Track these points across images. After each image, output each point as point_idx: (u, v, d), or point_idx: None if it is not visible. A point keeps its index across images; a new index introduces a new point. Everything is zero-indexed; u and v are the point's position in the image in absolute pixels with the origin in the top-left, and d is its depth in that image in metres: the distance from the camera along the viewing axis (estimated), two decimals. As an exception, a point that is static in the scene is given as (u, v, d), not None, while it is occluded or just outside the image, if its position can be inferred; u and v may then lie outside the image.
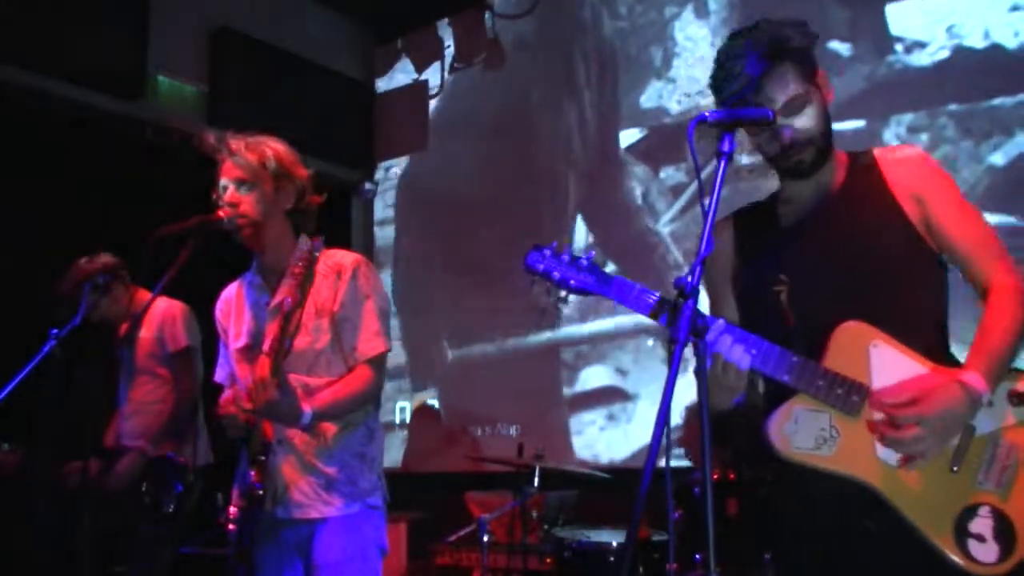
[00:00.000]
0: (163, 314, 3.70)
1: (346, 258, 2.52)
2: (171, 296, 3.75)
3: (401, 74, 6.32)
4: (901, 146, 2.04)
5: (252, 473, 2.30)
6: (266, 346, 2.25)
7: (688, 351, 1.60)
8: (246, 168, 2.46)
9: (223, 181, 2.47)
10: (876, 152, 1.94)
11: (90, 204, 4.57)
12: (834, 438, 1.72)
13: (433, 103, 6.11)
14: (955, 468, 1.68)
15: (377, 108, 6.40)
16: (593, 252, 1.87)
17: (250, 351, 2.44)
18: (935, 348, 1.79)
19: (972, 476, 1.69)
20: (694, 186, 4.81)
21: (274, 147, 2.53)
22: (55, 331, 2.97)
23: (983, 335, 1.73)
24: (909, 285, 1.82)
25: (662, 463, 1.52)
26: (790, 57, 1.83)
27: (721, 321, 1.72)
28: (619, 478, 3.89)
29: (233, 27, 5.46)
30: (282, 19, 5.83)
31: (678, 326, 1.56)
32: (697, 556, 3.14)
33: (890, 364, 1.73)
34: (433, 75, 6.16)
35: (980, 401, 1.67)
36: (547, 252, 1.86)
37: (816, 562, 1.82)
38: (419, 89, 6.21)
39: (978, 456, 1.69)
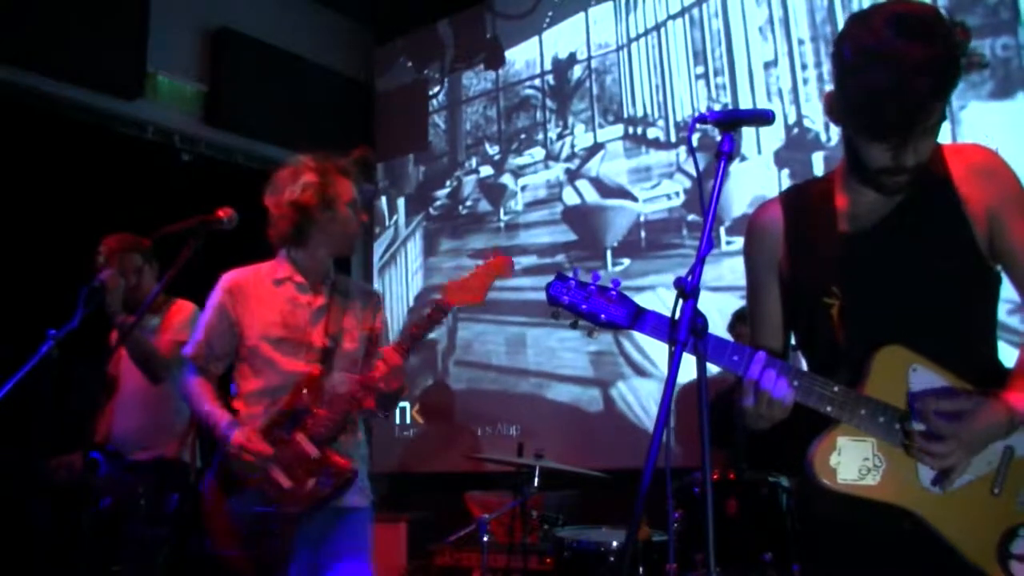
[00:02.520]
0: (178, 314, 3.72)
1: (367, 286, 2.93)
2: (168, 295, 3.76)
3: (401, 74, 6.33)
4: (975, 148, 1.80)
5: (312, 453, 2.51)
6: (402, 339, 2.55)
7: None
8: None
9: (353, 196, 2.76)
10: (946, 153, 1.77)
11: (90, 204, 4.56)
12: (878, 467, 1.70)
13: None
14: (996, 491, 1.67)
15: (377, 108, 6.39)
16: (620, 280, 1.75)
17: (286, 343, 2.64)
18: (985, 363, 1.75)
19: (1014, 499, 1.68)
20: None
21: None
22: (53, 331, 2.97)
23: None
24: (967, 307, 1.75)
25: (662, 463, 1.51)
26: (957, 76, 1.61)
27: (762, 353, 1.68)
28: (619, 478, 3.89)
29: (233, 27, 5.45)
30: (282, 19, 5.82)
31: (677, 327, 1.56)
32: (697, 556, 3.14)
33: (929, 387, 1.71)
34: (433, 75, 6.16)
35: (1017, 423, 1.64)
36: (572, 282, 1.75)
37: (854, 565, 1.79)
38: (419, 89, 6.21)
39: (1019, 479, 1.68)
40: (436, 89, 6.13)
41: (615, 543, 3.39)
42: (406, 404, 5.83)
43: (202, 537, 2.66)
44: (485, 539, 3.68)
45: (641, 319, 1.71)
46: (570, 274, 1.77)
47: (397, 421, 5.84)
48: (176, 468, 3.62)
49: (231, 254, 2.92)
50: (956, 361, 1.70)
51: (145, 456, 3.59)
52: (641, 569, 3.27)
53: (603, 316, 1.72)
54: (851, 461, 1.70)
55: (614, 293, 1.73)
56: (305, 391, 2.58)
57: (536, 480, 3.65)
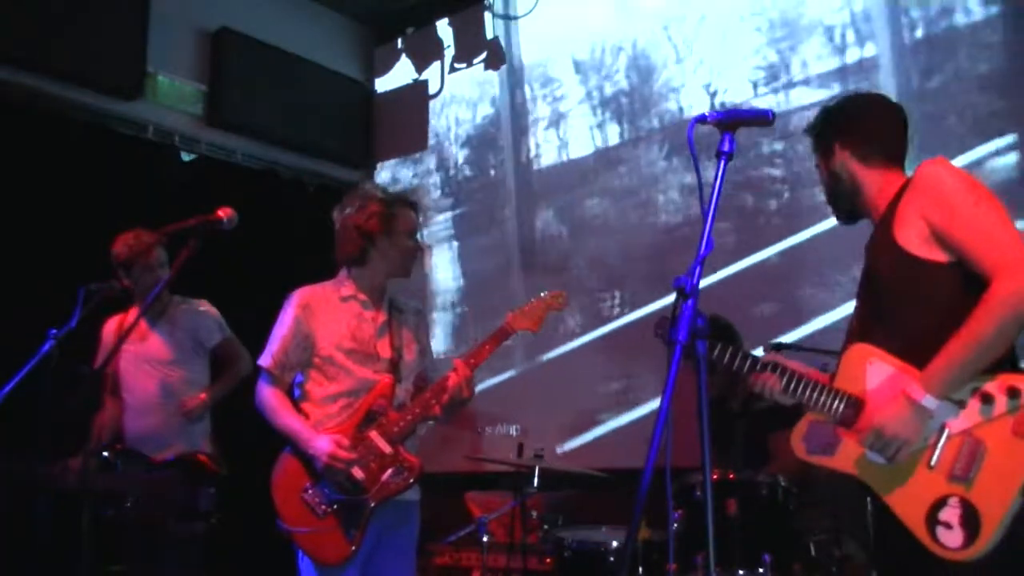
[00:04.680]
0: (193, 313, 3.74)
1: (416, 303, 3.19)
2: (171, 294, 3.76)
3: (401, 74, 6.32)
4: (923, 164, 2.09)
5: (386, 449, 2.77)
6: (468, 356, 2.85)
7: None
8: None
9: (414, 226, 3.02)
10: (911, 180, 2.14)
11: (90, 204, 4.56)
12: (836, 443, 2.10)
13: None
14: (932, 464, 1.95)
15: (377, 108, 6.39)
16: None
17: (356, 354, 2.88)
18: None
19: (946, 471, 1.94)
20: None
21: None
22: (53, 331, 2.97)
23: (945, 345, 1.93)
24: (912, 305, 2.03)
25: (662, 463, 1.52)
26: (815, 138, 2.33)
27: (772, 355, 2.27)
28: (619, 478, 3.89)
29: (233, 27, 5.45)
30: (282, 19, 5.82)
31: (677, 327, 1.56)
32: (697, 556, 3.13)
33: (881, 376, 2.06)
34: (433, 75, 6.16)
35: (920, 405, 1.92)
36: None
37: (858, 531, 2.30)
38: (419, 89, 6.20)
39: (951, 453, 1.94)
40: (437, 90, 6.13)
41: (615, 543, 3.39)
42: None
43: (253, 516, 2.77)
44: (485, 539, 3.68)
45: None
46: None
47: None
48: (203, 462, 3.62)
49: (231, 254, 2.93)
50: (913, 351, 2.00)
51: (170, 455, 3.58)
52: (641, 569, 3.27)
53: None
54: (816, 438, 2.13)
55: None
56: (381, 395, 2.84)
57: (536, 480, 3.65)
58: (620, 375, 4.92)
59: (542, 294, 3.00)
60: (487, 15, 5.86)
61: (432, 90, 6.15)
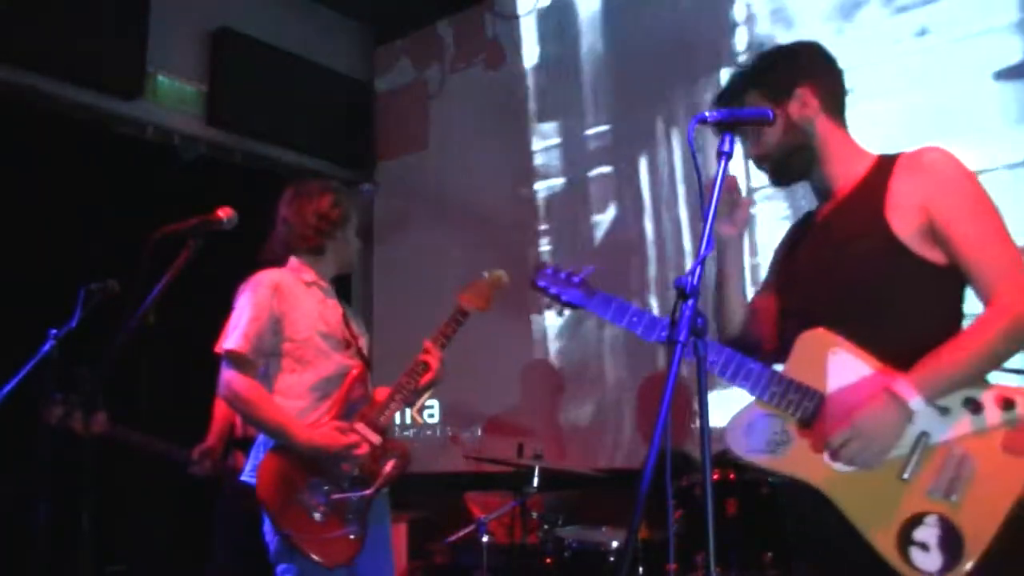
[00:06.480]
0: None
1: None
2: (170, 295, 3.74)
3: (401, 74, 6.32)
4: (926, 148, 1.87)
5: (375, 439, 2.74)
6: (437, 336, 2.85)
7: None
8: None
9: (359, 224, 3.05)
10: (903, 155, 1.88)
11: (89, 204, 4.56)
12: (786, 442, 1.81)
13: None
14: (905, 476, 1.70)
15: (377, 108, 6.39)
16: (591, 268, 2.06)
17: (331, 338, 2.84)
18: (925, 349, 1.74)
19: (923, 485, 1.69)
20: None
21: None
22: (53, 331, 2.97)
23: (940, 348, 1.73)
24: (888, 298, 1.80)
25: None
26: (753, 84, 1.98)
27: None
28: (619, 478, 3.89)
29: (233, 27, 5.45)
30: (282, 19, 5.82)
31: (678, 326, 1.56)
32: (697, 556, 3.14)
33: (847, 370, 1.79)
34: (433, 75, 6.16)
35: (907, 407, 1.68)
36: (549, 271, 2.09)
37: (807, 548, 1.95)
38: (419, 89, 6.20)
39: (931, 465, 1.70)
40: (437, 90, 6.13)
41: (615, 543, 3.39)
42: (434, 402, 5.81)
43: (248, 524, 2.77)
44: (485, 539, 3.68)
45: (591, 298, 2.03)
46: (550, 266, 2.11)
47: (397, 421, 5.83)
48: None
49: (230, 254, 2.93)
50: (887, 346, 1.77)
51: None
52: (641, 569, 3.27)
53: (563, 297, 2.05)
54: (760, 434, 1.82)
55: (576, 279, 2.06)
56: (358, 384, 2.81)
57: (536, 480, 3.65)
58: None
59: (484, 274, 2.94)
60: (487, 15, 5.86)
61: (432, 90, 6.15)
